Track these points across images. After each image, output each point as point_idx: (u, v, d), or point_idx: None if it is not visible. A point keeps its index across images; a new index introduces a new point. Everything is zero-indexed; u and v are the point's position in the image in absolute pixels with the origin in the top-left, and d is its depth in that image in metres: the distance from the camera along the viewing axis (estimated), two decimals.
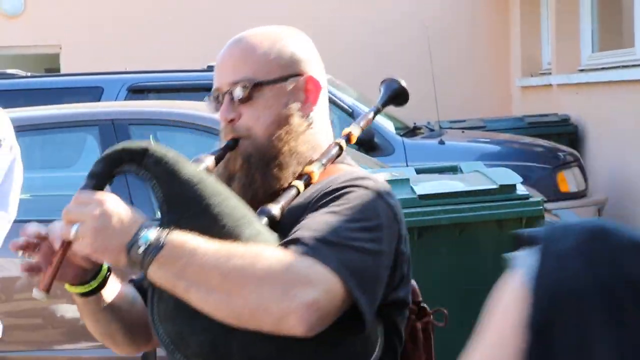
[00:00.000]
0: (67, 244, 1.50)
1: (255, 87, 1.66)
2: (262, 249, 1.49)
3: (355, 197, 1.60)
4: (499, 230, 3.77)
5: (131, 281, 1.79)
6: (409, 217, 3.76)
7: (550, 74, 10.43)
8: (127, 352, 1.77)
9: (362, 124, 1.84)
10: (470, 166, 4.52)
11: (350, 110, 7.27)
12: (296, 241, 1.52)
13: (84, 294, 1.66)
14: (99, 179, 1.53)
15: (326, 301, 1.47)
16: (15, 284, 4.70)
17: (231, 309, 1.46)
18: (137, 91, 7.15)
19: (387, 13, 11.78)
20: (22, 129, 5.03)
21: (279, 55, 1.69)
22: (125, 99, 6.98)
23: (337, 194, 1.61)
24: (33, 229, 1.59)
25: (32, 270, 1.59)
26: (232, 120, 1.69)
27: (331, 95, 7.59)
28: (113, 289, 1.69)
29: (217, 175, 1.67)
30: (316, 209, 1.59)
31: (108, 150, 1.56)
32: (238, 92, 1.67)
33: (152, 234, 1.46)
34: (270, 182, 1.67)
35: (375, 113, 1.89)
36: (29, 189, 5.00)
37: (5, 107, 5.61)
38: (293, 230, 1.55)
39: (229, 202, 1.54)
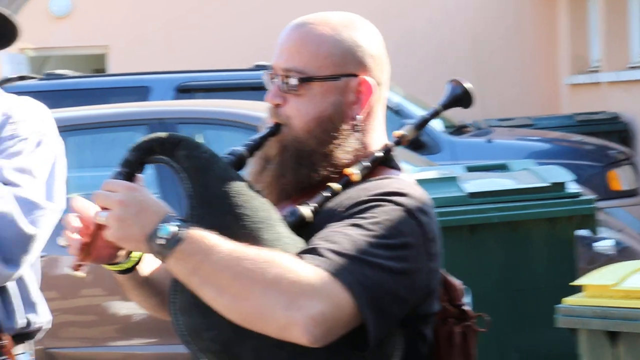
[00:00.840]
0: (98, 226, 1.53)
1: (303, 81, 1.63)
2: (275, 255, 1.48)
3: (383, 213, 1.56)
4: (550, 228, 3.75)
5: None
6: (459, 215, 3.76)
7: (598, 71, 10.32)
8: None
9: (418, 126, 1.77)
10: (519, 164, 4.49)
11: (397, 109, 7.25)
12: (313, 251, 1.50)
13: (121, 272, 1.69)
14: (130, 167, 1.54)
15: (333, 315, 1.45)
16: (69, 281, 4.75)
17: (239, 311, 1.47)
18: (185, 91, 7.20)
19: (431, 9, 11.74)
20: (72, 128, 5.11)
21: (336, 50, 1.64)
22: (172, 99, 7.03)
23: (365, 206, 1.57)
24: (81, 204, 1.59)
25: (71, 247, 1.61)
26: (277, 105, 1.66)
27: None
28: (151, 264, 1.71)
29: (255, 160, 1.66)
30: (341, 219, 1.56)
31: (141, 139, 1.57)
32: (286, 81, 1.64)
33: (172, 227, 1.47)
34: (300, 179, 1.65)
35: (433, 115, 1.81)
36: (79, 187, 5.07)
37: (54, 107, 5.70)
38: (312, 239, 1.54)
39: (253, 202, 1.53)
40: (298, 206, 1.61)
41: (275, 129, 1.65)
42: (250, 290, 1.45)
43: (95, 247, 1.57)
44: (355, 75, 1.64)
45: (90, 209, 1.55)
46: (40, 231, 2.15)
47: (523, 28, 11.90)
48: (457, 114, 8.17)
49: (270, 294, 1.45)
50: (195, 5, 12.05)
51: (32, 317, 2.26)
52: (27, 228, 2.12)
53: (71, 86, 7.40)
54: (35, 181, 2.17)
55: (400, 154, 5.00)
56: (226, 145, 5.75)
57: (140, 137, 5.13)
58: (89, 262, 1.59)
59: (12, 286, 2.21)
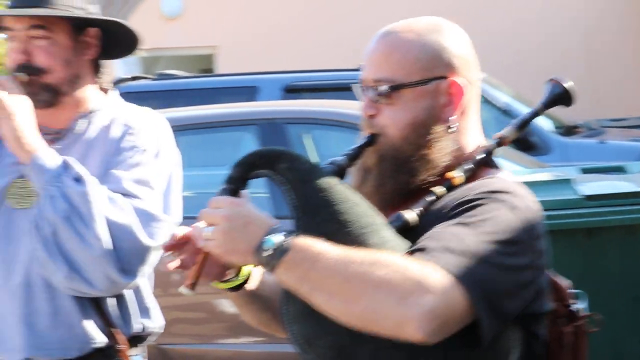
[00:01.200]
0: (207, 245, 1.57)
1: (394, 89, 1.64)
2: (382, 256, 1.49)
3: (488, 210, 1.55)
4: None
5: None
6: (575, 218, 3.68)
7: None
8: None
9: (519, 127, 1.77)
10: (637, 166, 4.38)
11: (505, 109, 7.16)
12: (420, 250, 1.51)
13: (231, 289, 1.72)
14: (235, 183, 1.58)
15: (445, 310, 1.44)
16: (180, 278, 4.82)
17: (351, 314, 1.47)
18: (292, 91, 7.24)
19: (543, 2, 11.55)
20: (184, 128, 5.19)
21: (422, 55, 1.65)
22: (279, 99, 7.08)
23: (469, 205, 1.57)
24: (180, 233, 1.67)
25: (182, 267, 1.67)
26: (371, 116, 1.67)
27: (485, 94, 7.50)
28: (261, 280, 1.74)
29: (354, 171, 1.68)
30: (447, 219, 1.56)
31: (244, 155, 1.61)
32: (377, 91, 1.65)
33: (278, 238, 1.49)
34: (401, 186, 1.66)
35: (534, 116, 1.80)
36: (190, 186, 5.14)
37: (165, 107, 5.80)
38: (419, 239, 1.54)
39: (357, 209, 1.54)
40: (402, 211, 1.61)
41: (372, 140, 1.67)
42: (361, 291, 1.46)
43: (205, 265, 1.60)
44: (445, 78, 1.65)
45: (197, 228, 1.59)
46: (157, 243, 2.18)
47: (635, 25, 11.60)
48: (567, 114, 8.02)
49: (381, 293, 1.45)
50: (302, 6, 12.13)
51: (146, 322, 2.30)
52: (145, 240, 2.15)
53: (182, 86, 7.53)
54: (153, 193, 2.20)
55: (509, 155, 4.94)
56: (333, 145, 5.79)
57: (250, 136, 5.19)
58: (203, 279, 1.62)
59: (128, 293, 2.26)
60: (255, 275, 1.73)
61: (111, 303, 2.24)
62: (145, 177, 2.20)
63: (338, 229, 1.52)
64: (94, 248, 2.09)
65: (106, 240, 2.10)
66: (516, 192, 1.60)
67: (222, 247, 1.52)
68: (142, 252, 2.15)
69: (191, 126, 5.31)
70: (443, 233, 1.53)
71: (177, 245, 1.65)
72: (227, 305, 4.87)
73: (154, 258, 2.19)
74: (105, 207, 2.11)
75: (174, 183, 2.26)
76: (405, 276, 1.45)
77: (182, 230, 1.66)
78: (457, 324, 1.47)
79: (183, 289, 1.60)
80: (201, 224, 1.57)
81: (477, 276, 1.48)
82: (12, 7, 2.26)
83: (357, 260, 1.47)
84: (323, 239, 1.49)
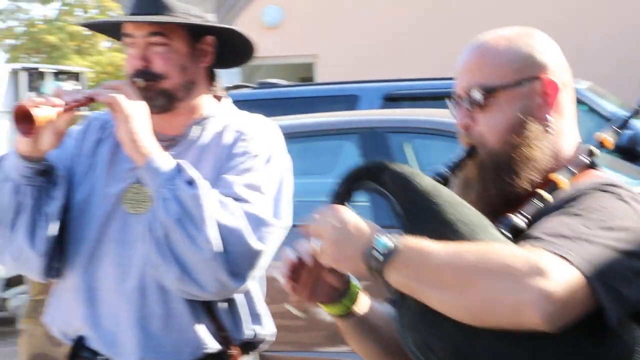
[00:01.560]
0: (314, 262, 1.58)
1: (488, 93, 1.63)
2: (493, 245, 1.48)
3: (598, 199, 1.54)
4: None
5: (389, 300, 1.81)
6: None
7: None
8: None
9: (618, 128, 1.74)
10: None
11: (611, 118, 7.01)
12: (530, 237, 1.49)
13: (338, 315, 1.72)
14: (339, 197, 1.60)
15: (564, 292, 1.41)
16: (279, 285, 4.86)
17: (466, 305, 1.45)
18: (392, 99, 7.21)
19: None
20: (286, 136, 5.18)
21: (514, 57, 1.65)
22: (380, 108, 7.07)
23: (577, 196, 1.56)
24: (289, 258, 1.65)
25: (292, 285, 1.67)
26: (467, 127, 1.67)
27: (591, 103, 7.36)
28: (367, 309, 1.74)
29: (456, 183, 1.67)
30: (555, 214, 1.55)
31: (348, 170, 1.63)
32: (472, 99, 1.64)
33: (386, 239, 1.49)
34: (505, 190, 1.64)
35: (633, 115, 1.78)
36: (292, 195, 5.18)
37: (267, 115, 5.84)
38: (530, 233, 1.52)
39: (462, 210, 1.54)
40: (508, 215, 1.59)
41: (471, 151, 1.67)
42: (474, 280, 1.44)
43: (314, 284, 1.62)
44: (538, 78, 1.65)
45: (304, 244, 1.60)
46: (267, 247, 2.20)
47: None
48: None
49: (495, 280, 1.43)
50: (401, 14, 12.11)
51: (257, 328, 2.33)
52: (255, 244, 2.17)
53: (283, 95, 7.56)
54: (264, 198, 2.22)
55: (615, 165, 4.83)
56: (434, 154, 5.73)
57: (351, 145, 5.17)
58: (309, 301, 1.64)
59: (239, 298, 2.29)
60: (362, 302, 1.73)
61: (222, 308, 2.26)
62: (257, 182, 2.22)
63: (447, 231, 1.51)
64: (205, 251, 2.11)
65: (217, 244, 2.12)
66: (622, 185, 1.59)
67: (332, 256, 1.53)
68: (252, 256, 2.17)
69: (292, 135, 5.31)
70: (554, 222, 1.51)
71: (295, 271, 1.65)
72: (326, 314, 4.87)
73: (263, 262, 2.21)
74: (217, 211, 2.14)
75: (285, 188, 2.28)
76: (521, 261, 1.43)
77: (291, 254, 1.66)
78: (577, 309, 1.44)
79: (293, 309, 1.62)
80: (304, 241, 1.59)
81: (593, 259, 1.45)
82: (131, 14, 2.31)
83: (469, 251, 1.46)
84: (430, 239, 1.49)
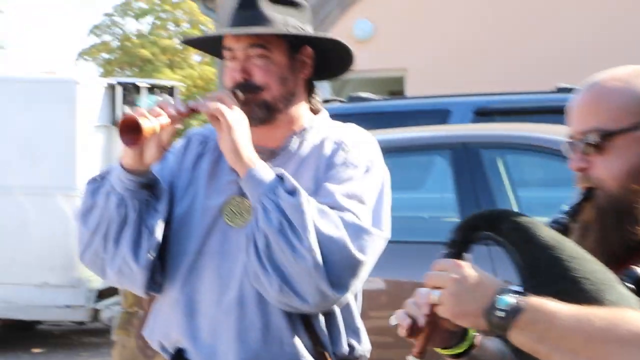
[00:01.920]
0: (432, 310, 1.55)
1: (605, 137, 1.59)
2: (624, 311, 1.43)
3: None
4: None
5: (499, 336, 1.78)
6: None
7: None
8: None
9: None
10: None
11: None
12: None
13: (454, 356, 1.69)
14: (457, 247, 1.58)
15: None
16: (366, 301, 4.85)
17: None
18: (484, 114, 7.13)
19: None
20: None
21: (631, 100, 1.59)
22: (471, 122, 7.00)
23: None
24: (406, 310, 1.60)
25: (408, 332, 1.62)
26: (584, 170, 1.63)
27: None
28: (478, 347, 1.70)
29: (575, 228, 1.62)
30: None
31: (465, 219, 1.61)
32: (587, 143, 1.61)
33: (510, 298, 1.46)
34: (626, 238, 1.59)
35: None
36: None
37: None
38: None
39: (587, 265, 1.49)
40: (634, 267, 1.56)
41: (588, 194, 1.62)
42: (606, 350, 1.41)
43: (432, 331, 1.59)
44: None
45: (423, 293, 1.57)
46: (368, 258, 2.19)
47: None
48: None
49: (631, 350, 1.39)
50: (493, 27, 12.01)
51: (354, 343, 2.31)
52: (356, 253, 2.16)
53: (373, 109, 7.54)
54: (364, 207, 2.21)
55: None
56: (528, 170, 5.62)
57: (442, 160, 5.11)
58: (429, 346, 1.61)
59: (337, 312, 2.27)
60: (480, 338, 1.70)
61: (320, 322, 2.26)
62: (357, 192, 2.21)
63: (571, 287, 1.47)
64: (306, 260, 2.11)
65: (318, 253, 2.12)
66: None
67: (452, 310, 1.50)
68: (352, 266, 2.16)
69: (383, 150, 5.30)
70: None
71: (416, 330, 1.59)
72: None
73: (364, 273, 2.20)
74: (317, 220, 2.14)
75: (385, 199, 2.27)
76: None
77: (406, 307, 1.62)
78: None
79: (411, 358, 1.59)
80: (424, 289, 1.56)
81: None
82: (231, 26, 2.32)
83: (599, 316, 1.42)
84: (555, 298, 1.45)
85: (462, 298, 1.49)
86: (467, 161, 5.10)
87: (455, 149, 5.17)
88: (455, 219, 4.78)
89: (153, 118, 2.15)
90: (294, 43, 2.31)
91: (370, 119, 7.15)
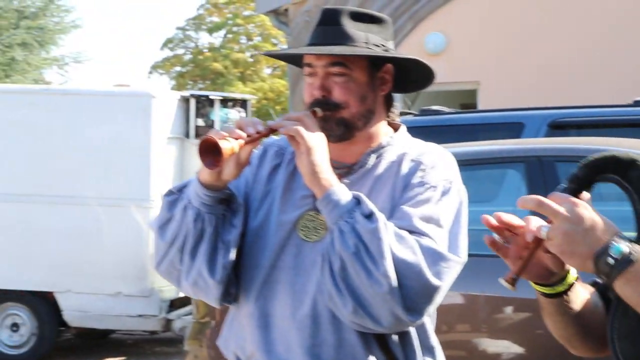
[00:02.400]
0: (537, 241, 1.52)
1: None
2: None
3: None
4: None
5: (595, 284, 1.75)
6: None
7: None
8: (584, 355, 1.75)
9: None
10: None
11: None
12: None
13: (546, 295, 1.67)
14: (579, 183, 1.54)
15: None
16: (440, 316, 4.83)
17: None
18: (558, 127, 7.04)
19: None
20: None
21: None
22: (545, 135, 6.91)
23: None
24: (509, 218, 1.61)
25: (497, 248, 1.63)
26: None
27: None
28: (577, 296, 1.68)
29: None
30: None
31: (594, 156, 1.56)
32: None
33: (623, 246, 1.43)
34: None
35: None
36: None
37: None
38: None
39: None
40: None
41: None
42: None
43: (531, 261, 1.56)
44: None
45: (532, 221, 1.55)
46: (444, 284, 2.15)
47: None
48: None
49: None
50: (566, 39, 11.88)
51: None
52: (433, 279, 2.12)
53: (446, 122, 7.48)
54: (441, 231, 2.17)
55: None
56: (603, 185, 5.55)
57: (515, 174, 5.04)
58: (523, 276, 1.58)
59: (412, 329, 2.25)
60: (574, 289, 1.67)
61: (395, 340, 2.24)
62: (435, 215, 2.18)
63: None
64: (382, 285, 2.09)
65: (393, 278, 2.09)
66: None
67: (560, 247, 1.47)
68: (428, 292, 2.12)
69: (457, 163, 5.27)
70: None
71: (499, 228, 1.61)
72: (486, 345, 4.81)
73: (439, 298, 2.17)
74: (394, 244, 2.11)
75: (462, 221, 2.24)
76: None
77: (511, 218, 1.61)
78: None
79: (503, 282, 1.57)
80: (534, 218, 1.53)
81: None
82: (312, 44, 2.32)
83: None
84: None
85: (573, 237, 1.45)
86: (542, 175, 5.04)
87: (530, 162, 5.11)
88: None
89: (232, 139, 2.14)
90: (375, 61, 2.31)
91: (443, 132, 7.11)
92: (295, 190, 2.34)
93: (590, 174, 1.53)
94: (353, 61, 2.28)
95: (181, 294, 8.85)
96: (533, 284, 1.66)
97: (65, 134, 9.13)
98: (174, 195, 2.33)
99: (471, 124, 7.43)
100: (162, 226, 2.32)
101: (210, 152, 2.14)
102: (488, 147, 5.57)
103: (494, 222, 1.63)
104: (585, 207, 1.48)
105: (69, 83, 24.06)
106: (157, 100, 9.17)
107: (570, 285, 1.66)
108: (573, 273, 1.67)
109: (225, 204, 2.29)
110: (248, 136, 2.18)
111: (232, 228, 2.29)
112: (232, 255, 2.28)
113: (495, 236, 1.65)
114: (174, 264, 2.31)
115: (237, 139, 2.16)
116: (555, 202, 1.49)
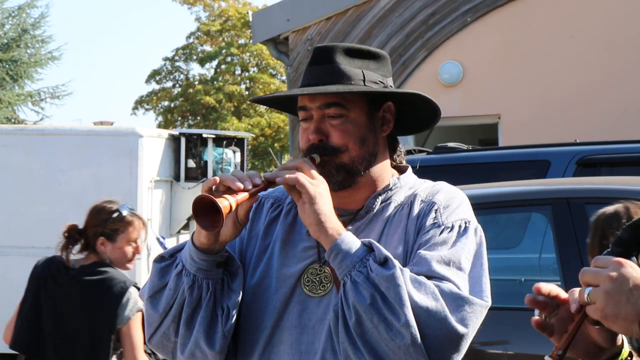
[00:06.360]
0: (583, 312, 1.53)
1: None
2: None
3: None
4: None
5: None
6: None
7: None
8: None
9: None
10: None
11: None
12: None
13: None
14: (624, 246, 1.56)
15: None
16: None
17: None
18: (588, 165, 7.06)
19: None
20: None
21: None
22: (573, 174, 6.93)
23: None
24: (549, 287, 1.63)
25: (543, 328, 1.64)
26: None
27: None
28: None
29: None
30: None
31: (638, 218, 1.58)
32: None
33: None
34: None
35: None
36: None
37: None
38: None
39: None
40: None
41: None
42: None
43: (576, 336, 1.57)
44: None
45: (575, 292, 1.56)
46: (470, 330, 2.15)
47: None
48: None
49: None
50: (594, 67, 11.93)
51: None
52: (458, 327, 2.11)
53: (463, 160, 7.49)
54: (462, 274, 2.18)
55: None
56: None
57: (541, 217, 5.04)
58: (570, 354, 1.59)
59: None
60: None
61: None
62: (454, 257, 2.19)
63: None
64: (403, 337, 2.08)
65: (415, 329, 2.08)
66: None
67: (603, 310, 1.48)
68: (453, 340, 2.11)
69: (475, 206, 5.28)
70: None
71: (540, 303, 1.63)
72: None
73: (465, 346, 2.16)
74: (413, 292, 2.10)
75: (483, 262, 2.25)
76: None
77: (553, 288, 1.63)
78: None
79: (548, 359, 1.57)
80: (577, 288, 1.54)
81: None
82: (305, 85, 2.33)
83: None
84: None
85: (617, 298, 1.46)
86: (570, 218, 5.05)
87: (557, 204, 5.13)
88: (556, 282, 4.75)
89: (229, 196, 2.15)
90: (374, 99, 2.33)
91: (460, 172, 7.12)
92: (295, 243, 2.35)
93: (636, 235, 1.56)
94: (350, 101, 2.30)
95: None
96: None
97: (43, 178, 9.18)
98: (166, 261, 2.33)
99: (491, 162, 7.42)
100: (153, 295, 2.32)
101: (207, 212, 2.13)
102: (510, 189, 5.58)
103: (538, 298, 1.64)
104: (632, 266, 1.49)
105: (46, 121, 24.15)
106: (144, 139, 9.21)
107: (627, 356, 1.65)
108: (627, 347, 1.66)
109: (223, 267, 2.29)
110: (244, 190, 2.18)
111: (232, 292, 2.29)
112: (233, 322, 2.28)
113: (536, 312, 1.66)
114: (169, 335, 2.31)
115: (233, 194, 2.16)
116: (599, 265, 1.51)
